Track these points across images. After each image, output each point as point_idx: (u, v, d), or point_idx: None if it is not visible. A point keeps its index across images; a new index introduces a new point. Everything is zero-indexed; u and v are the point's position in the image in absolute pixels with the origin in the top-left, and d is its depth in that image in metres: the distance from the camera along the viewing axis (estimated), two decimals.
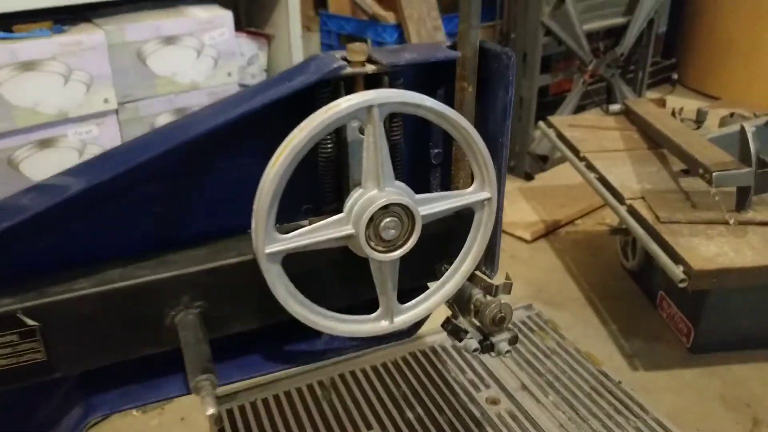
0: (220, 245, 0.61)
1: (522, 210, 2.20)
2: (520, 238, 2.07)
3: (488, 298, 0.66)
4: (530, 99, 2.34)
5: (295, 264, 0.58)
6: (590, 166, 1.63)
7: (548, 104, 2.66)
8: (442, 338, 1.02)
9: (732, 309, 1.51)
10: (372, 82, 0.61)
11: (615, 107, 1.90)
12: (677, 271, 1.21)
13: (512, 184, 2.40)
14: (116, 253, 0.59)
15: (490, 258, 0.69)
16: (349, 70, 0.59)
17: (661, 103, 1.95)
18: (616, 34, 2.58)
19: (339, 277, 0.64)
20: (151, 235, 0.60)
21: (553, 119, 1.92)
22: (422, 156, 0.68)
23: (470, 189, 0.62)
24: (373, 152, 0.57)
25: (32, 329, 0.54)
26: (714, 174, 1.31)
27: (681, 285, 1.21)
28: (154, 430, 1.44)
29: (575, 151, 1.72)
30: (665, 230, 1.31)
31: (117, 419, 1.40)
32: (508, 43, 2.38)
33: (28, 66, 1.95)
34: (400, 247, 0.59)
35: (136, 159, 0.56)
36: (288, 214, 0.62)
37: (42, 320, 0.54)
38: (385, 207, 0.57)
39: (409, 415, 0.87)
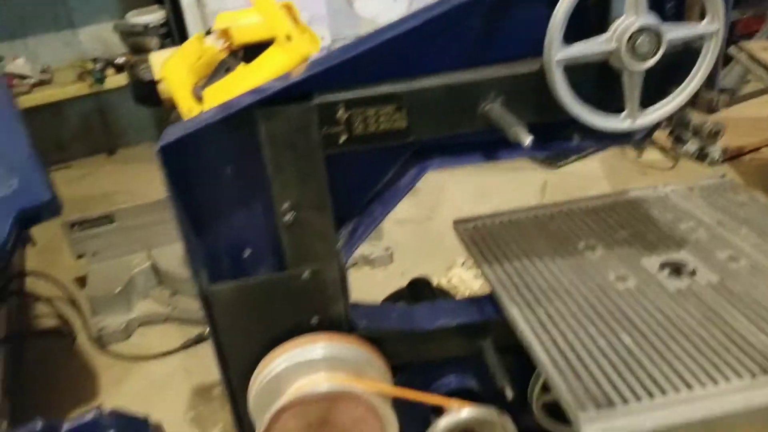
0: (515, 64, 0.87)
1: None
2: (722, 176, 2.16)
3: (705, 116, 0.86)
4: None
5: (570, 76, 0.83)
6: None
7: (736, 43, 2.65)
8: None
9: None
10: None
11: None
12: None
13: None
14: (451, 67, 0.88)
15: (710, 82, 0.89)
16: None
17: None
18: None
19: (600, 86, 0.87)
20: (468, 56, 0.88)
21: (745, 43, 1.99)
22: (661, 5, 0.89)
23: (704, 21, 0.83)
24: None
25: (402, 104, 0.85)
26: None
27: None
28: (380, 284, 1.79)
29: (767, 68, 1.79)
30: None
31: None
32: None
33: None
34: (648, 60, 0.82)
35: (449, 4, 0.84)
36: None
37: (407, 99, 0.85)
38: (642, 29, 0.80)
39: (622, 233, 1.10)
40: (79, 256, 1.94)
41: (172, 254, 1.88)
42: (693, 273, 0.99)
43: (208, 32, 1.23)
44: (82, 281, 1.96)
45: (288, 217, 0.92)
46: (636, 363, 0.83)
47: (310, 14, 2.47)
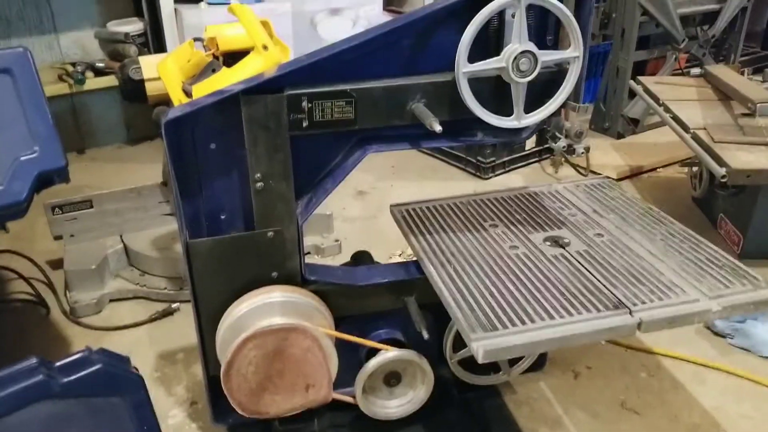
0: (435, 74, 1.17)
1: (612, 157, 2.65)
2: (608, 177, 2.52)
3: (572, 121, 1.18)
4: (625, 69, 2.78)
5: (473, 86, 1.13)
6: (667, 109, 2.07)
7: None
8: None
9: None
10: None
11: (695, 71, 2.31)
12: (721, 171, 1.66)
13: (606, 141, 2.85)
14: (388, 74, 1.16)
15: (575, 96, 1.21)
16: None
17: (738, 69, 2.34)
18: (711, 19, 2.95)
19: (492, 96, 1.18)
20: (402, 67, 1.18)
21: (641, 78, 2.37)
22: (543, 38, 1.20)
23: (569, 49, 1.15)
24: (518, 25, 1.10)
25: (352, 99, 1.13)
26: (758, 105, 1.74)
27: (722, 180, 1.66)
28: None
29: (656, 99, 2.16)
30: (717, 147, 1.75)
31: None
32: (609, 21, 2.83)
33: None
34: (528, 76, 1.13)
35: (391, 25, 1.13)
36: (471, 60, 1.16)
37: (355, 96, 1.14)
38: (523, 52, 1.11)
39: (519, 216, 1.41)
40: (57, 238, 2.10)
41: (143, 238, 2.09)
42: (567, 244, 1.30)
43: (197, 39, 1.48)
44: (54, 264, 2.12)
45: (259, 185, 1.18)
46: (515, 302, 1.13)
47: (277, 34, 2.75)
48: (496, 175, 2.63)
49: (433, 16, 1.16)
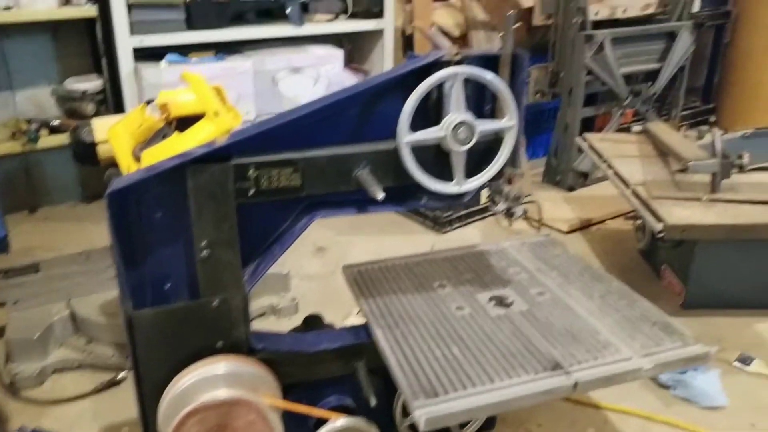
0: (379, 142, 1.21)
1: (562, 210, 2.73)
2: (558, 230, 2.60)
3: (510, 186, 1.24)
4: (574, 125, 2.90)
5: (416, 154, 1.18)
6: (610, 166, 2.16)
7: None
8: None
9: (713, 275, 1.98)
10: (458, 64, 1.19)
11: (637, 128, 2.43)
12: (658, 226, 1.73)
13: (556, 194, 2.95)
14: (334, 142, 1.20)
15: (513, 162, 1.26)
16: (448, 57, 1.19)
17: (676, 126, 2.47)
18: (653, 77, 3.11)
19: (434, 163, 1.22)
20: (347, 135, 1.21)
21: (587, 135, 2.48)
22: (481, 108, 1.26)
23: (504, 119, 1.21)
24: (456, 97, 1.16)
25: (298, 167, 1.16)
26: (690, 163, 1.83)
27: (659, 235, 1.73)
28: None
29: (600, 156, 2.26)
30: (654, 202, 1.83)
31: None
32: (558, 80, 2.97)
33: None
34: (466, 144, 1.18)
35: (338, 96, 1.18)
36: (413, 128, 1.20)
37: (302, 164, 1.16)
38: (461, 122, 1.16)
39: (466, 276, 1.45)
40: (0, 305, 2.01)
41: (92, 303, 2.01)
42: (511, 303, 1.33)
43: (148, 102, 1.50)
44: None
45: (204, 253, 1.19)
46: (459, 365, 1.15)
47: (238, 93, 2.79)
48: (453, 229, 2.68)
49: (378, 87, 1.21)
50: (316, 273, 2.43)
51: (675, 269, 2.08)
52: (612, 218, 2.68)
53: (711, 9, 3.81)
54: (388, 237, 2.64)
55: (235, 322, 1.25)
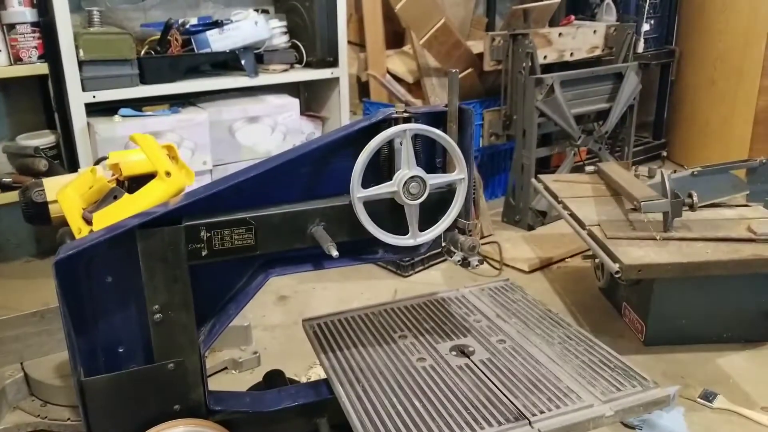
0: (333, 198, 1.21)
1: (522, 250, 2.76)
2: (519, 270, 2.63)
3: (465, 236, 1.24)
4: (529, 166, 2.96)
5: (370, 208, 1.18)
6: (565, 207, 2.21)
7: (551, 173, 3.27)
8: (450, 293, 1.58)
9: (672, 311, 2.02)
10: (406, 121, 1.22)
11: (590, 168, 2.49)
12: (614, 266, 1.76)
13: (516, 233, 2.98)
14: (288, 200, 1.20)
15: (466, 213, 1.27)
16: (396, 114, 1.21)
17: (627, 166, 2.55)
18: (604, 117, 3.21)
19: (388, 216, 1.22)
20: (300, 193, 1.22)
21: (542, 176, 2.53)
22: (432, 161, 1.29)
23: (455, 172, 1.22)
24: (406, 154, 1.18)
25: (251, 227, 1.15)
26: (642, 203, 1.88)
27: (616, 275, 1.76)
28: (248, 386, 1.96)
29: (555, 197, 2.31)
30: (610, 243, 1.87)
31: None
32: (511, 122, 3.04)
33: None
34: (419, 198, 1.19)
35: (290, 155, 1.18)
36: (366, 184, 1.22)
37: (255, 223, 1.15)
38: (412, 177, 1.18)
39: (427, 325, 1.44)
40: None
41: (46, 365, 1.96)
42: (472, 353, 1.33)
43: (99, 161, 1.48)
44: None
45: (157, 316, 1.17)
46: (421, 420, 1.13)
47: (195, 143, 2.78)
48: (416, 272, 2.68)
49: (330, 145, 1.22)
50: (278, 323, 2.40)
51: (635, 307, 2.12)
52: (571, 256, 2.73)
53: (655, 49, 3.99)
54: (351, 283, 2.63)
55: (192, 385, 1.23)
